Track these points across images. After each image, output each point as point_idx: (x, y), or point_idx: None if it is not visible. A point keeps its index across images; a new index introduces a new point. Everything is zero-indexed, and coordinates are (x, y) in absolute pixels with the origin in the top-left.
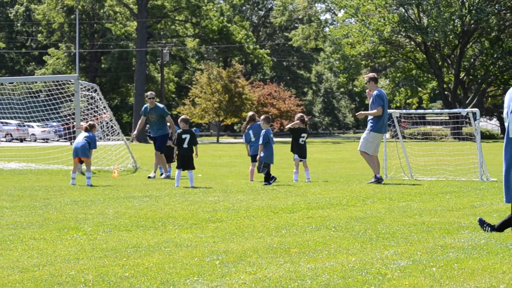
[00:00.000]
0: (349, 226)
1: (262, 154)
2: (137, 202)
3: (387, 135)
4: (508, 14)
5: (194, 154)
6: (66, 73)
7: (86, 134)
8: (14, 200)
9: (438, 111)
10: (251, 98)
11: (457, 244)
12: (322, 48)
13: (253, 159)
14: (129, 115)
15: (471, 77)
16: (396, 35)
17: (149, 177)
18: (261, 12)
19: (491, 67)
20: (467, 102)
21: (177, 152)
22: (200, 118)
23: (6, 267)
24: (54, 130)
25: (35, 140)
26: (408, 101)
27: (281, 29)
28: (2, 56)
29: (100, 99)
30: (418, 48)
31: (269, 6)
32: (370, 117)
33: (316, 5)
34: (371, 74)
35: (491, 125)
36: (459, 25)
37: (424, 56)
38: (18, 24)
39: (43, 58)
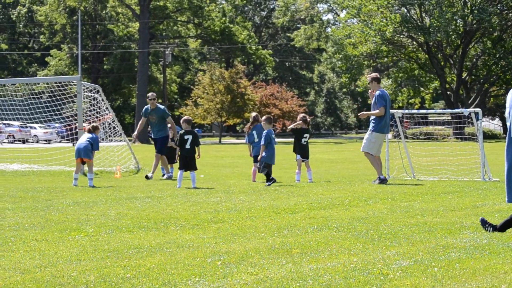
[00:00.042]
0: (351, 227)
1: (264, 155)
2: (139, 203)
3: (389, 135)
4: (511, 14)
5: (196, 155)
6: (68, 74)
7: (89, 135)
8: (16, 201)
9: (441, 111)
10: (254, 99)
11: (459, 244)
12: (324, 49)
13: (256, 160)
14: (132, 116)
15: (473, 77)
16: (398, 35)
17: (146, 177)
18: (263, 12)
19: (494, 67)
20: (469, 102)
21: (179, 153)
22: (202, 118)
23: (8, 268)
24: (56, 131)
25: (37, 142)
26: (410, 101)
27: (283, 30)
28: (4, 57)
29: (102, 100)
30: (420, 48)
31: (271, 7)
32: (372, 117)
33: (318, 5)
34: (373, 74)
35: (493, 125)
36: (461, 25)
37: (426, 56)
38: (20, 26)
39: (46, 59)
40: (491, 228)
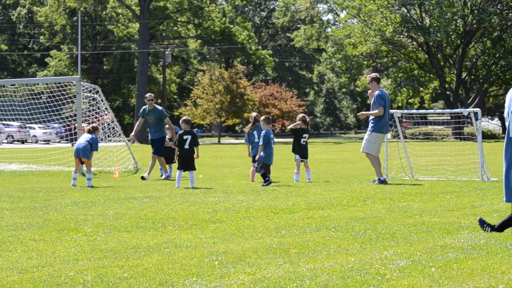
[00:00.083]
0: (349, 227)
1: (262, 154)
2: (138, 203)
3: (388, 135)
4: (511, 14)
5: (195, 155)
6: (68, 74)
7: (88, 135)
8: (14, 201)
9: (440, 111)
10: (253, 99)
11: (457, 244)
12: (324, 49)
13: (254, 160)
14: (131, 116)
15: (473, 77)
16: (398, 35)
17: (142, 177)
18: (263, 13)
19: (493, 67)
20: (468, 102)
21: (178, 153)
22: (201, 119)
23: (5, 268)
24: (55, 132)
25: (36, 142)
26: (410, 101)
27: (283, 30)
28: (4, 58)
29: (101, 100)
30: (420, 48)
31: (272, 7)
32: (371, 117)
33: (318, 5)
34: (373, 74)
35: (492, 125)
36: (461, 25)
37: (426, 56)
38: (21, 26)
39: (45, 60)
40: (489, 228)
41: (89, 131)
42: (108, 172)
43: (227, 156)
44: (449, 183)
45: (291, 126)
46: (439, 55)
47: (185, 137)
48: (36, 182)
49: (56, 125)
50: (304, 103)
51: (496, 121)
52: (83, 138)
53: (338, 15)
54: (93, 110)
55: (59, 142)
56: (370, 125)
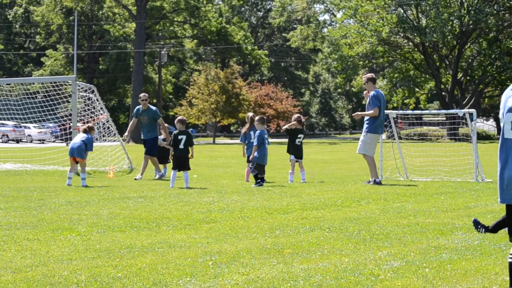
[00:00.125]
0: (343, 227)
1: (256, 155)
2: (132, 203)
3: (383, 135)
4: (507, 15)
5: (189, 155)
6: (63, 74)
7: (84, 135)
8: (8, 201)
9: (435, 111)
10: (248, 99)
11: (451, 245)
12: (320, 49)
13: (249, 160)
14: (126, 116)
15: (468, 77)
16: (394, 36)
17: (135, 180)
18: (259, 13)
19: (489, 67)
20: (464, 102)
21: (173, 152)
22: (197, 119)
23: None
24: (50, 131)
25: (31, 141)
26: (405, 101)
27: (279, 30)
28: (0, 57)
29: (97, 100)
30: (416, 49)
31: (268, 7)
32: (366, 118)
33: (314, 6)
34: (369, 75)
35: (487, 126)
36: (457, 26)
37: (422, 56)
38: (17, 26)
39: (41, 59)
40: (483, 229)
41: (84, 131)
42: (102, 171)
43: (222, 156)
44: (444, 184)
45: (286, 126)
46: (435, 56)
47: (180, 137)
48: (30, 182)
49: (51, 125)
50: (300, 104)
51: (491, 122)
52: (78, 138)
53: (335, 16)
54: (88, 109)
55: (54, 141)
56: (365, 125)
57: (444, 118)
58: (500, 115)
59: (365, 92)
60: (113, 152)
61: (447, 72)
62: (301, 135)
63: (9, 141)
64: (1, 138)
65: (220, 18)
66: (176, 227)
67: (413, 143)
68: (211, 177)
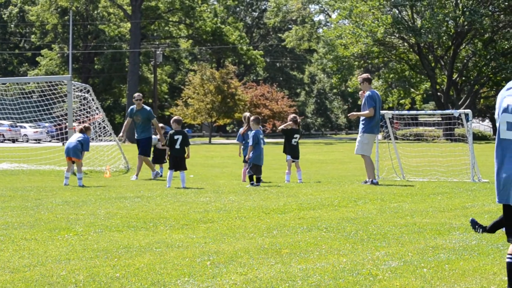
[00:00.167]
0: (340, 227)
1: (251, 155)
2: (129, 202)
3: (379, 136)
4: (502, 16)
5: (185, 155)
6: (59, 74)
7: (80, 135)
8: (5, 200)
9: (431, 112)
10: (244, 99)
11: (448, 245)
12: (316, 49)
13: (245, 160)
14: (122, 116)
15: (464, 78)
16: (389, 36)
17: (132, 180)
18: (254, 13)
19: (484, 68)
20: (459, 103)
21: (169, 153)
22: (192, 119)
23: None
24: (46, 131)
25: (27, 141)
26: (401, 102)
27: (274, 30)
28: None
29: (92, 100)
30: (411, 49)
31: (263, 7)
32: (362, 118)
33: (310, 6)
34: (364, 75)
35: (483, 126)
36: (452, 27)
37: (417, 57)
38: (12, 25)
39: (36, 59)
40: (481, 229)
41: (81, 131)
42: (99, 171)
43: (218, 156)
44: (440, 184)
45: (282, 126)
46: (430, 56)
47: (176, 137)
48: (27, 181)
49: (47, 124)
50: (295, 104)
51: (487, 122)
52: (74, 138)
53: (330, 16)
54: (84, 109)
55: (50, 141)
56: (361, 126)
57: (440, 119)
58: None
59: (360, 93)
60: (109, 152)
61: (443, 73)
62: (297, 135)
63: (5, 141)
64: None
65: (215, 18)
66: (173, 227)
67: (409, 143)
68: (208, 177)
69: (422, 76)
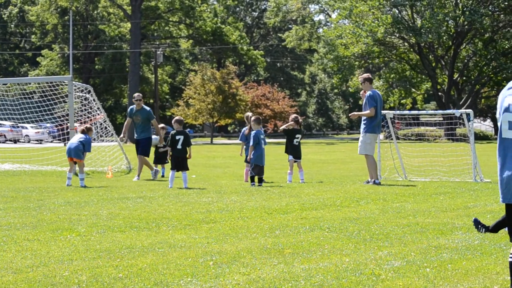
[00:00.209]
0: (343, 227)
1: (252, 156)
2: (131, 203)
3: (381, 136)
4: (502, 16)
5: (187, 155)
6: (59, 74)
7: (81, 136)
8: (8, 201)
9: (432, 112)
10: (245, 99)
11: (451, 245)
12: (316, 49)
13: (247, 160)
14: (123, 116)
15: (464, 78)
16: (389, 36)
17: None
18: (255, 13)
19: (485, 68)
20: (460, 103)
21: (171, 153)
22: (194, 119)
23: (0, 268)
24: (48, 131)
25: (29, 141)
26: (402, 102)
27: (274, 30)
28: None
29: (93, 100)
30: (411, 49)
31: (263, 7)
32: (364, 118)
33: (310, 6)
34: (365, 75)
35: (484, 126)
36: (452, 26)
37: (418, 57)
38: (12, 26)
39: (37, 59)
40: (484, 229)
41: (82, 131)
42: (101, 172)
43: (220, 156)
44: (442, 184)
45: (283, 126)
46: (430, 56)
47: (177, 137)
48: (29, 182)
49: (48, 125)
50: (296, 104)
51: (489, 122)
52: (76, 138)
53: (330, 16)
54: (85, 109)
55: (51, 141)
56: (363, 126)
57: (441, 119)
58: (497, 115)
59: (361, 92)
60: (111, 153)
61: (443, 73)
62: (298, 135)
63: (7, 141)
64: None
65: (215, 18)
66: (176, 227)
67: (410, 143)
68: (210, 177)
69: (423, 76)
